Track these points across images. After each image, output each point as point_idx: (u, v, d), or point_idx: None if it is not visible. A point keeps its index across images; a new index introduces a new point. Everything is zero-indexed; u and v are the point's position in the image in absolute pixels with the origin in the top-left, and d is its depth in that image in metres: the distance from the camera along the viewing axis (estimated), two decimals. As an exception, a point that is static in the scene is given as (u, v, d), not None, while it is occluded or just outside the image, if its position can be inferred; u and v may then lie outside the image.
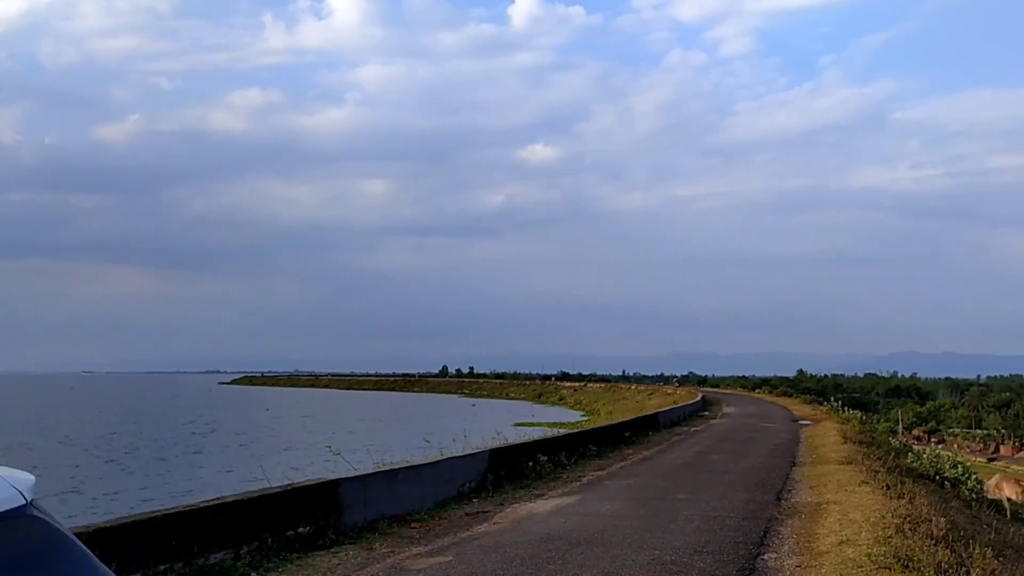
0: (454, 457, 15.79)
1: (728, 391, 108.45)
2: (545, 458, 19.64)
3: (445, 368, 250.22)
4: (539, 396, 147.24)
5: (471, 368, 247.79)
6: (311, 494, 11.23)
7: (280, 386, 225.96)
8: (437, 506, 13.98)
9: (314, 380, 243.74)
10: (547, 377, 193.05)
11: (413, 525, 12.40)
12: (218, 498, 10.11)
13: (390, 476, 13.13)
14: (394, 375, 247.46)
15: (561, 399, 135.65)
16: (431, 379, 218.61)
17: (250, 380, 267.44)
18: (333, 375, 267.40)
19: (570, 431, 27.52)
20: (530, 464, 18.83)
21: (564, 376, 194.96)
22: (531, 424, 62.45)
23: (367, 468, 13.87)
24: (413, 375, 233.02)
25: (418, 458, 15.07)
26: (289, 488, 10.94)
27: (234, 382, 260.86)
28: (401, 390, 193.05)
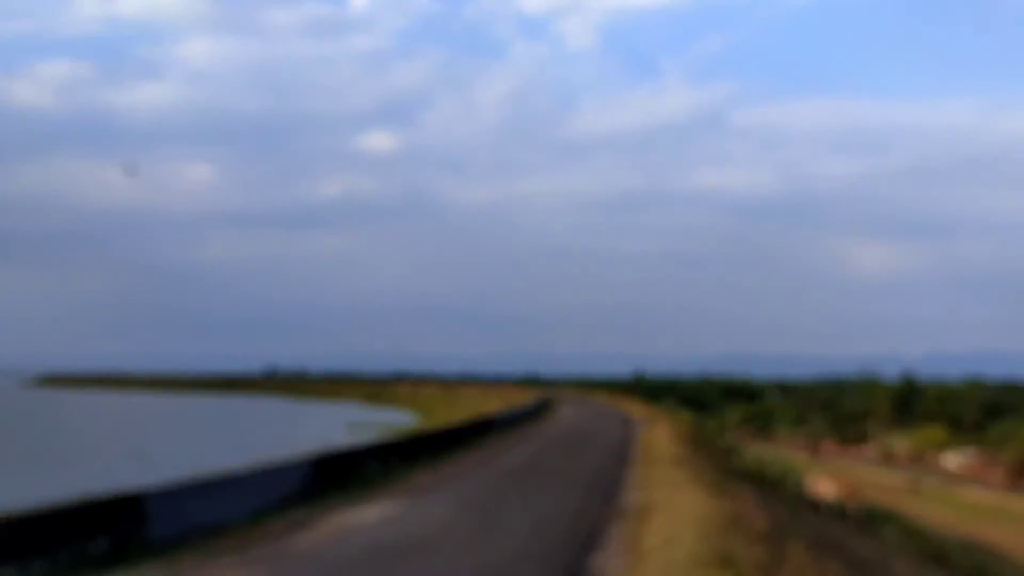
0: (275, 464, 15.38)
1: (567, 392, 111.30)
2: (375, 463, 19.48)
3: (273, 368, 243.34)
4: (373, 397, 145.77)
5: (301, 368, 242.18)
6: (113, 506, 10.65)
7: (87, 387, 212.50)
8: (255, 516, 13.57)
9: (127, 381, 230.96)
10: (383, 378, 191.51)
11: (227, 537, 11.98)
12: (2, 513, 9.41)
13: (204, 486, 12.64)
14: (217, 376, 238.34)
15: (396, 400, 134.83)
16: (257, 380, 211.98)
17: (51, 381, 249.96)
18: (149, 376, 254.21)
19: (403, 434, 27.43)
20: (359, 470, 18.62)
21: (401, 376, 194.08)
22: (363, 426, 61.74)
23: (180, 478, 13.27)
24: (238, 376, 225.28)
25: (236, 466, 14.56)
26: (87, 500, 10.33)
27: (33, 382, 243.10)
28: (225, 392, 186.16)
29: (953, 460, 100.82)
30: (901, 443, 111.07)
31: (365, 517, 13.85)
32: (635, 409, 58.32)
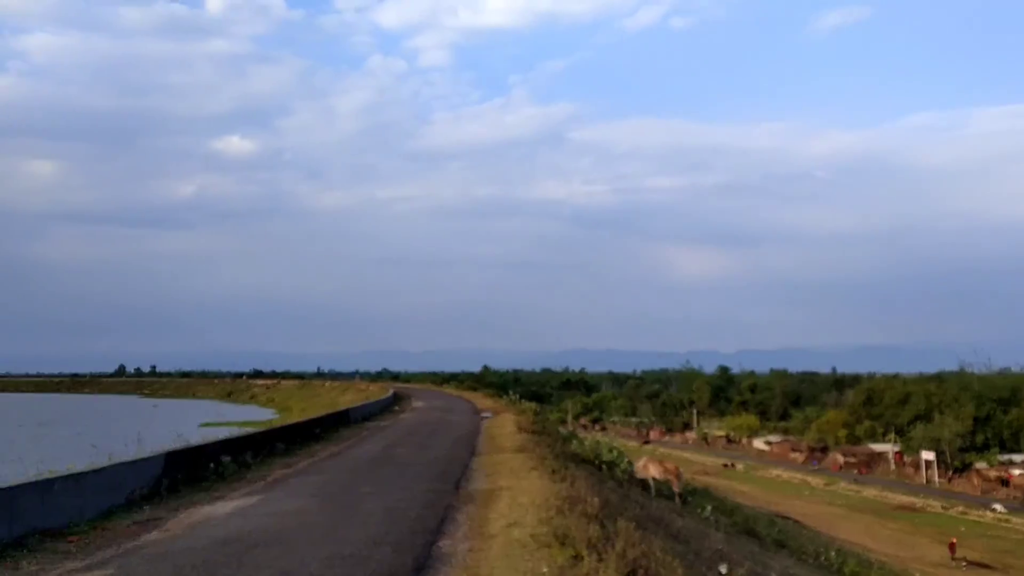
0: (123, 462, 14.47)
1: (419, 386, 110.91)
2: (229, 459, 18.71)
3: (122, 367, 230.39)
4: (229, 395, 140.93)
5: (153, 367, 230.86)
6: (-57, 511, 9.70)
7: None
8: (101, 516, 12.72)
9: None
10: (239, 375, 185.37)
11: (70, 539, 11.15)
12: None
13: (43, 487, 11.70)
14: (61, 375, 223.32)
15: (253, 397, 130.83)
16: (105, 379, 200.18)
17: None
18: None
19: (257, 430, 26.50)
20: (212, 466, 17.83)
21: (257, 374, 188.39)
22: (218, 424, 59.43)
23: (17, 478, 12.25)
24: (84, 375, 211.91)
25: (81, 465, 13.59)
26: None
27: None
28: (70, 392, 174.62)
29: (762, 443, 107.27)
30: (718, 429, 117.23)
31: (219, 512, 13.25)
32: (482, 402, 58.76)
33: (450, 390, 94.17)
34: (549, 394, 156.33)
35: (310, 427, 28.89)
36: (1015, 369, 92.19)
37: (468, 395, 75.19)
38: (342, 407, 45.50)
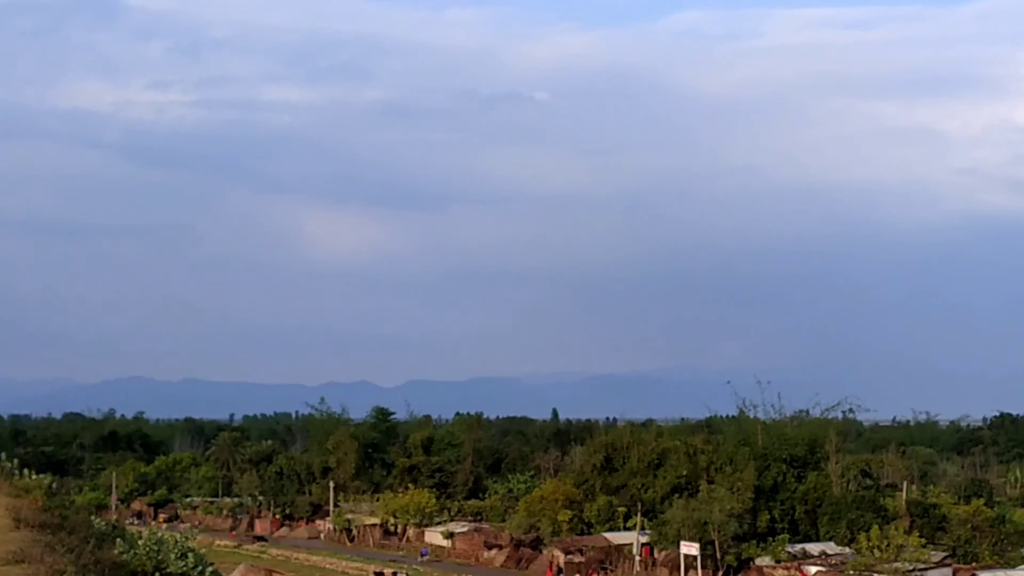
0: None
1: None
2: None
3: None
4: None
5: None
6: None
7: None
8: None
9: None
10: None
11: None
12: None
13: None
14: None
15: None
16: None
17: None
18: None
19: None
20: None
21: None
22: None
23: None
24: None
25: None
26: None
27: None
28: None
29: (439, 536, 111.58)
30: (371, 514, 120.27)
31: None
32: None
33: None
34: (78, 459, 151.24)
35: None
36: (816, 413, 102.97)
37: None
38: None
